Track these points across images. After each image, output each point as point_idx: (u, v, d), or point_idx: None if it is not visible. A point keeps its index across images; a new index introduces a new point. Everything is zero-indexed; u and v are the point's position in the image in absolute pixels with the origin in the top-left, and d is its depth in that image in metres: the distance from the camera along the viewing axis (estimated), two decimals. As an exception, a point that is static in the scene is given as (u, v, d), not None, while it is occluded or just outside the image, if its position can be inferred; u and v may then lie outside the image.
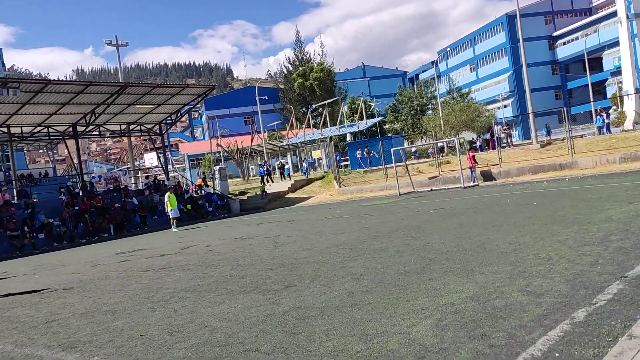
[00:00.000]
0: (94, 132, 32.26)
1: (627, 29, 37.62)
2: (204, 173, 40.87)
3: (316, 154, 42.29)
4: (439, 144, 36.25)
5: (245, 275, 8.31)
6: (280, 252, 10.57)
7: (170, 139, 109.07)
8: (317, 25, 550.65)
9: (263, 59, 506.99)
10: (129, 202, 30.37)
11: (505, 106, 69.90)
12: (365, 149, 36.80)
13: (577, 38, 66.27)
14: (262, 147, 46.66)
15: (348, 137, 61.83)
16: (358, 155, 36.88)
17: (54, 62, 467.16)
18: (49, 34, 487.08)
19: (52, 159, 55.38)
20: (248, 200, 34.38)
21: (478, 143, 40.61)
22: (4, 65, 62.49)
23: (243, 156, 46.40)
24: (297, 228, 15.27)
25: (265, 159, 40.63)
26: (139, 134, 34.74)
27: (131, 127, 33.35)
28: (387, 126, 64.13)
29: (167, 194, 24.97)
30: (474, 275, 6.18)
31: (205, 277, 8.60)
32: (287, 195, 33.92)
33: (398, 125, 62.35)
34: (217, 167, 36.58)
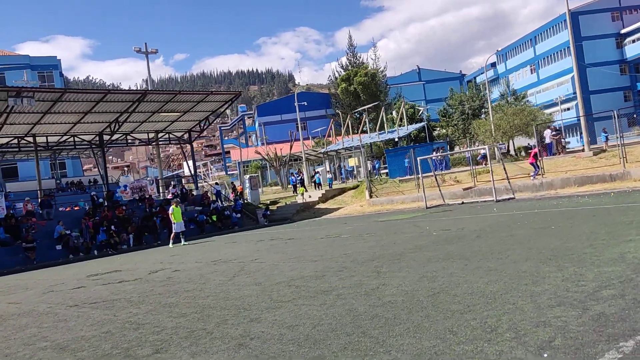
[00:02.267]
0: (121, 141, 31.84)
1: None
2: (232, 183, 39.85)
3: (352, 161, 40.41)
4: (482, 152, 33.57)
5: (143, 324, 6.79)
6: (227, 287, 9.03)
7: (225, 146, 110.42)
8: (379, 29, 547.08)
9: (325, 64, 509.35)
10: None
11: (568, 109, 65.54)
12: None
13: (647, 35, 61.20)
14: (302, 154, 45.34)
15: (399, 143, 59.72)
16: (407, 164, 34.50)
17: (127, 72, 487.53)
18: (122, 45, 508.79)
19: (102, 165, 56.09)
20: (277, 211, 33.05)
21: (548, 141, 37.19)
22: (62, 75, 64.14)
23: (281, 164, 45.17)
24: (283, 250, 13.64)
25: (299, 168, 39.16)
26: (167, 142, 34.15)
27: (160, 135, 32.74)
28: (436, 132, 61.35)
29: (172, 206, 23.46)
30: (379, 354, 4.38)
31: (103, 324, 7.17)
32: (317, 206, 32.35)
33: (449, 130, 59.42)
34: (247, 176, 35.48)
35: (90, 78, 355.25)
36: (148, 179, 33.46)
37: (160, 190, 33.08)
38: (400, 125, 42.30)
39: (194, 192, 33.05)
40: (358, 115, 57.91)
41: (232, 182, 38.20)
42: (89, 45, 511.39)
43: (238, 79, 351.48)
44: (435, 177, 25.11)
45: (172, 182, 39.99)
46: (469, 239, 10.96)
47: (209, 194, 32.44)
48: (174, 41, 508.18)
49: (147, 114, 29.29)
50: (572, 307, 4.99)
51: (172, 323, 6.60)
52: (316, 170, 38.54)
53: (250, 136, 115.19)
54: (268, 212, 31.63)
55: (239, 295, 8.02)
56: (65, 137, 29.33)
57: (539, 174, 23.21)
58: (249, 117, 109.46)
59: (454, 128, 58.28)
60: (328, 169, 41.78)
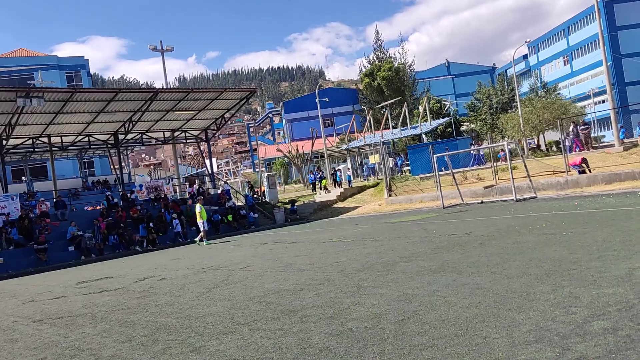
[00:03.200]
0: (137, 140, 31.62)
1: None
2: (249, 182, 39.28)
3: (373, 159, 39.37)
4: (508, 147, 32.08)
5: (82, 351, 6.20)
6: (199, 301, 8.42)
7: (254, 143, 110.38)
8: (411, 23, 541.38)
9: (357, 60, 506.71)
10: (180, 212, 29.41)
11: (602, 101, 62.97)
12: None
13: (688, 22, 58.18)
14: (326, 151, 44.54)
15: (425, 139, 58.29)
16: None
17: (161, 71, 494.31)
18: (156, 45, 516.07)
19: (126, 163, 56.41)
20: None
21: (567, 144, 35.55)
22: (90, 75, 64.75)
23: (303, 162, 44.48)
24: (278, 257, 12.93)
25: (319, 166, 38.38)
26: (184, 141, 33.80)
27: (176, 133, 32.43)
28: (464, 127, 59.77)
29: (198, 204, 23.33)
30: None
31: (45, 348, 6.63)
32: (335, 205, 31.55)
33: (477, 125, 57.77)
34: (265, 174, 34.89)
35: (125, 77, 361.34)
36: (164, 178, 33.09)
37: (178, 190, 32.79)
38: (424, 121, 41.11)
39: (211, 191, 32.64)
40: (384, 111, 56.71)
41: (247, 182, 37.65)
42: (123, 45, 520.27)
43: (269, 75, 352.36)
44: (453, 176, 24.03)
45: (196, 181, 39.76)
46: (470, 247, 10.04)
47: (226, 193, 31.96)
48: (206, 39, 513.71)
49: (161, 112, 28.97)
50: (550, 346, 4.12)
51: (111, 350, 5.94)
52: (337, 168, 37.64)
53: (278, 133, 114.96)
54: (295, 208, 31.00)
55: (203, 313, 7.33)
56: (80, 137, 29.21)
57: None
58: (276, 114, 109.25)
59: (482, 123, 56.61)
60: (349, 167, 40.90)
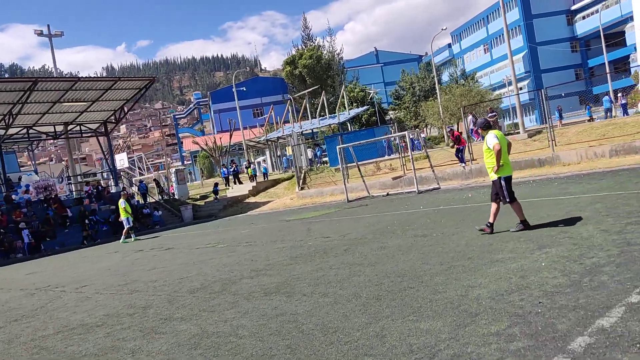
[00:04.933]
0: (22, 136, 28.83)
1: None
2: (154, 179, 37.06)
3: (291, 150, 38.02)
4: (422, 135, 31.67)
5: None
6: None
7: (180, 134, 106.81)
8: (347, 12, 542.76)
9: (293, 49, 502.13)
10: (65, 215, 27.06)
11: (520, 88, 64.26)
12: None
13: (597, 11, 59.94)
14: (244, 143, 42.86)
15: (349, 127, 57.50)
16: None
17: (88, 60, 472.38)
18: (82, 32, 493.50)
19: (33, 161, 52.58)
20: (204, 206, 30.68)
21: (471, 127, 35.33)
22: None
23: (221, 154, 42.62)
24: (131, 271, 11.37)
25: (233, 159, 36.69)
26: (79, 135, 31.27)
27: (70, 127, 29.86)
28: (390, 115, 59.51)
29: (122, 199, 21.90)
30: None
31: None
32: (247, 200, 30.06)
33: (401, 113, 57.58)
34: (174, 169, 32.90)
35: (47, 67, 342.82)
36: (56, 177, 30.51)
37: (74, 189, 30.31)
38: (342, 110, 40.13)
39: (112, 190, 30.37)
40: (314, 100, 55.25)
41: (154, 179, 35.47)
42: (45, 33, 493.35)
43: (203, 65, 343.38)
44: (358, 167, 23.09)
45: (100, 180, 36.86)
46: (332, 254, 8.88)
47: (128, 191, 29.76)
48: (137, 27, 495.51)
49: (47, 104, 26.40)
50: None
51: None
52: (251, 161, 36.07)
53: (205, 126, 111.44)
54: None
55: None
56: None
57: (465, 163, 21.33)
58: (205, 105, 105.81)
59: (406, 111, 56.45)
60: (263, 159, 39.44)
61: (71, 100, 26.78)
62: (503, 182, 8.16)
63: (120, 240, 21.69)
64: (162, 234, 22.69)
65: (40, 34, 30.41)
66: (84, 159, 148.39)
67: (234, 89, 43.36)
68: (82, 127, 30.27)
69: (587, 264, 5.52)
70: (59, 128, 29.72)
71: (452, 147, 22.74)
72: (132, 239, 21.52)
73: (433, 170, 20.14)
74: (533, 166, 19.13)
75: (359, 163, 22.97)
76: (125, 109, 30.07)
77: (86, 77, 26.62)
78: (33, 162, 54.26)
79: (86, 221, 25.88)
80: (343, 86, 41.18)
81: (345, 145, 22.54)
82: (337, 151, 31.98)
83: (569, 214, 8.76)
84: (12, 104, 25.03)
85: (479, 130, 8.76)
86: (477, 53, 75.12)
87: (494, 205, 8.31)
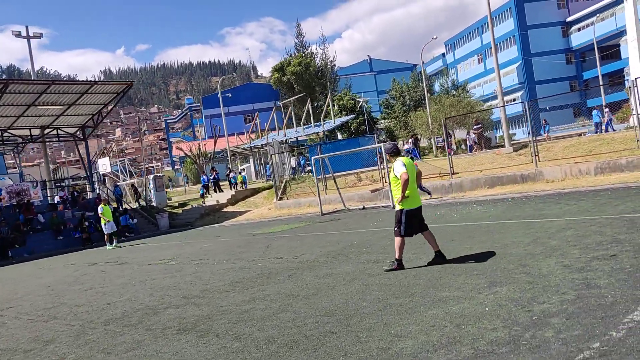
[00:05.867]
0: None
1: (634, 9, 31.50)
2: (132, 185, 36.05)
3: (275, 158, 37.12)
4: (406, 147, 30.89)
5: None
6: None
7: (172, 139, 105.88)
8: (345, 20, 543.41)
9: (287, 56, 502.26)
10: (34, 220, 26.21)
11: (513, 100, 63.71)
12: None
13: (592, 23, 59.51)
14: (229, 150, 42.00)
15: (339, 136, 56.68)
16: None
17: (87, 63, 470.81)
18: (82, 35, 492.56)
19: (18, 164, 51.55)
20: (182, 215, 29.83)
21: (469, 143, 34.82)
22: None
23: (205, 161, 41.75)
24: (61, 293, 10.52)
25: (213, 166, 35.82)
26: (56, 139, 30.42)
27: (47, 131, 28.99)
28: (380, 124, 58.78)
29: (101, 205, 21.62)
30: None
31: None
32: (225, 209, 29.20)
33: (391, 122, 56.89)
34: (152, 176, 32.02)
35: (45, 69, 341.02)
36: (31, 182, 29.60)
37: (48, 194, 29.40)
38: (328, 119, 39.28)
39: (89, 195, 29.47)
40: (302, 108, 54.23)
41: (132, 185, 34.50)
42: (45, 35, 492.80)
43: (199, 70, 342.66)
44: (334, 179, 22.30)
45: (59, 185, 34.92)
46: (274, 280, 8.08)
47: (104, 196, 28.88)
48: (136, 31, 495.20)
49: (21, 107, 25.56)
50: None
51: None
52: (231, 169, 35.24)
53: (199, 130, 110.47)
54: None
55: None
56: None
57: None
58: (195, 110, 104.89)
59: (396, 120, 55.74)
60: (242, 168, 38.57)
61: (46, 103, 25.95)
62: (404, 215, 7.42)
63: (107, 247, 21.12)
64: (128, 244, 21.80)
65: (19, 35, 29.54)
66: (78, 161, 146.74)
67: (219, 95, 42.54)
68: (59, 131, 29.38)
69: (536, 311, 4.72)
70: (36, 132, 28.85)
71: None
72: (109, 246, 20.89)
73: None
74: (515, 182, 18.37)
75: (335, 174, 22.23)
76: (103, 113, 29.18)
77: (60, 81, 25.90)
78: (18, 165, 53.29)
79: (85, 224, 25.80)
80: (329, 94, 40.31)
81: (321, 156, 21.73)
82: (327, 160, 31.39)
83: (536, 241, 7.98)
84: (-19, 105, 24.21)
85: (387, 157, 8.02)
86: (471, 63, 74.61)
87: (397, 240, 7.56)
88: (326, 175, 26.35)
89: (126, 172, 44.05)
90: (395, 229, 7.53)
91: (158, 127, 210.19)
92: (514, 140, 53.24)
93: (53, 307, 8.51)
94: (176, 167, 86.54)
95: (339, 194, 21.60)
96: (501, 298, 5.30)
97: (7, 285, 12.66)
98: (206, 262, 11.36)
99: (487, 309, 5.02)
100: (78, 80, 24.47)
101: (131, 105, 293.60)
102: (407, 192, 7.30)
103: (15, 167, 59.17)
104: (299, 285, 7.42)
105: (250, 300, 6.95)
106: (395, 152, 7.75)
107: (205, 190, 32.44)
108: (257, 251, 12.07)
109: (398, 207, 7.50)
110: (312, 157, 21.22)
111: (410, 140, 33.63)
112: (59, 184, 32.28)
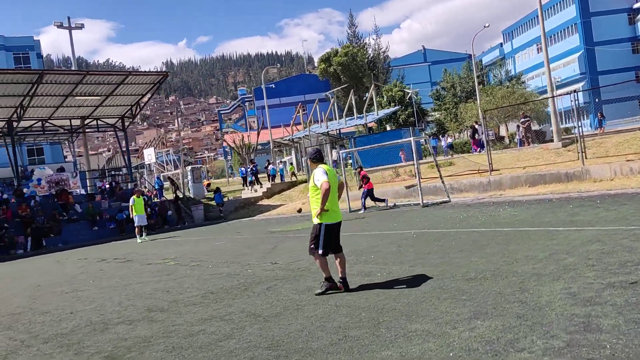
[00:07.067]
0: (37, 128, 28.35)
1: None
2: (169, 177, 35.98)
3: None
4: (449, 140, 29.36)
5: None
6: None
7: (226, 130, 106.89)
8: (404, 10, 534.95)
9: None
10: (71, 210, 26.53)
11: (574, 91, 60.19)
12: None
13: (663, 9, 55.33)
14: (272, 142, 41.52)
15: (388, 128, 55.14)
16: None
17: (150, 55, 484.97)
18: (147, 28, 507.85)
19: (73, 151, 53.01)
20: (216, 208, 29.50)
21: (517, 137, 32.84)
22: (40, 56, 60.65)
23: (248, 153, 41.47)
24: (40, 297, 10.06)
25: (252, 159, 35.34)
26: (95, 130, 30.72)
27: (87, 121, 29.28)
28: (430, 116, 56.96)
29: (132, 197, 21.03)
30: None
31: None
32: (260, 202, 28.67)
33: (441, 114, 54.95)
34: (189, 167, 31.87)
35: (110, 61, 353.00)
36: (69, 172, 29.99)
37: (88, 184, 29.74)
38: (371, 110, 38.03)
39: (128, 185, 29.62)
40: (358, 98, 52.78)
41: (168, 177, 34.42)
42: (112, 28, 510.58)
43: (257, 61, 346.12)
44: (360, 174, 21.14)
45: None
46: (249, 293, 7.28)
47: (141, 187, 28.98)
48: (198, 23, 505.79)
49: (59, 97, 25.82)
50: None
51: None
52: (271, 161, 34.64)
53: (254, 121, 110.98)
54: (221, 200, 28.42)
55: None
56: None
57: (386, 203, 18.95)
58: (248, 101, 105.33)
59: (446, 112, 53.76)
60: (280, 160, 37.93)
61: (83, 94, 26.10)
62: (323, 230, 6.45)
63: (137, 239, 20.59)
64: (157, 237, 21.55)
65: (60, 25, 29.86)
66: (137, 150, 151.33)
67: (262, 87, 42.06)
68: (98, 121, 29.64)
69: (508, 363, 3.66)
70: (77, 122, 29.21)
71: (359, 188, 20.46)
72: (139, 239, 20.42)
73: (443, 182, 18.05)
74: (559, 180, 16.79)
75: (371, 169, 21.05)
76: (141, 104, 29.20)
77: (95, 71, 25.93)
78: (73, 154, 54.93)
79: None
80: (372, 85, 38.97)
81: (348, 150, 20.73)
82: (361, 153, 30.30)
83: (551, 257, 6.79)
84: (21, 96, 24.53)
85: (308, 162, 7.04)
86: (529, 52, 71.11)
87: (317, 262, 6.68)
88: (371, 168, 25.30)
89: (171, 162, 44.33)
90: (312, 246, 6.58)
91: (215, 118, 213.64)
92: (572, 134, 50.34)
93: (17, 314, 7.98)
94: (228, 157, 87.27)
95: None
96: (475, 338, 4.24)
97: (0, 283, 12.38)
98: (202, 265, 10.67)
99: (451, 354, 3.99)
100: (112, 71, 24.65)
101: (191, 96, 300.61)
102: (327, 205, 6.40)
103: (78, 156, 60.90)
104: (270, 302, 6.55)
105: (208, 319, 6.14)
106: (317, 159, 6.80)
107: (244, 182, 32.07)
108: (260, 253, 11.28)
109: (316, 221, 6.55)
110: (341, 152, 20.18)
111: (474, 127, 31.64)
112: (99, 174, 32.59)
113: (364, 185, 19.19)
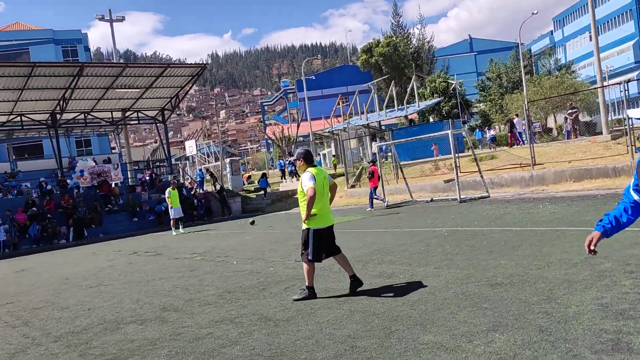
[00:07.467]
0: (80, 121, 28.95)
1: None
2: (207, 169, 36.16)
3: (353, 143, 35.78)
4: (492, 133, 28.41)
5: None
6: None
7: (269, 122, 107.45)
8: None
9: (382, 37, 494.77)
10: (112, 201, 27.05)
11: (628, 81, 57.54)
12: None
13: None
14: (312, 134, 41.36)
15: (431, 120, 54.05)
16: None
17: (196, 47, 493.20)
18: (193, 20, 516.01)
19: (118, 143, 54.14)
20: (254, 200, 29.61)
21: (565, 129, 31.50)
22: (88, 49, 62.21)
23: (287, 145, 41.42)
24: (63, 291, 10.09)
25: (290, 151, 35.18)
26: (137, 122, 31.17)
27: (128, 114, 29.77)
28: (475, 107, 55.52)
29: (168, 189, 20.97)
30: None
31: None
32: (296, 195, 28.48)
33: (486, 106, 53.45)
34: (228, 159, 32.01)
35: (158, 54, 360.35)
36: (112, 164, 30.54)
37: (129, 176, 30.24)
38: (421, 100, 37.29)
39: (164, 178, 29.97)
40: (400, 89, 51.78)
41: (207, 169, 34.61)
42: (160, 21, 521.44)
43: (301, 53, 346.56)
44: (400, 168, 20.80)
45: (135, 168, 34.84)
46: (264, 294, 7.07)
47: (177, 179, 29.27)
48: (244, 15, 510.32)
49: (100, 90, 26.28)
50: None
51: None
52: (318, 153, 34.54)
53: (295, 113, 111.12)
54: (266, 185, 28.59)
55: None
56: (12, 117, 26.68)
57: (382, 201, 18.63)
58: (290, 92, 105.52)
59: (491, 103, 52.23)
60: (333, 152, 37.66)
61: (124, 86, 26.49)
62: (311, 235, 6.20)
63: (172, 232, 20.51)
64: (193, 230, 21.69)
65: (102, 18, 30.38)
66: (182, 142, 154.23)
67: (302, 78, 41.80)
68: (139, 114, 30.09)
69: (520, 387, 3.28)
70: (118, 115, 29.73)
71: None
72: (174, 231, 20.31)
73: (482, 176, 17.40)
74: (607, 175, 15.88)
75: (410, 162, 20.59)
76: (180, 96, 29.43)
77: (133, 64, 26.16)
78: (118, 145, 55.99)
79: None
80: (414, 76, 38.13)
81: (385, 143, 20.25)
82: (402, 145, 29.71)
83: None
84: (63, 88, 25.08)
85: (296, 163, 6.70)
86: (581, 40, 68.34)
87: (305, 266, 6.38)
88: (400, 163, 24.78)
89: (212, 154, 44.71)
90: (302, 252, 6.37)
91: (259, 110, 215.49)
92: (624, 126, 48.08)
93: (38, 309, 8.01)
94: (270, 149, 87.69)
95: (406, 184, 20.05)
96: (490, 354, 3.86)
97: (32, 276, 12.53)
98: (227, 261, 10.54)
99: (462, 372, 3.63)
100: (151, 63, 24.70)
101: (235, 88, 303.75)
102: (315, 208, 6.18)
103: (124, 147, 62.12)
104: (284, 304, 6.30)
105: (219, 321, 5.93)
106: (307, 159, 6.50)
107: (282, 174, 32.02)
108: (286, 250, 11.06)
109: (304, 226, 6.31)
110: (376, 145, 19.74)
111: (511, 121, 30.55)
112: (139, 166, 33.10)
113: (369, 182, 18.75)
